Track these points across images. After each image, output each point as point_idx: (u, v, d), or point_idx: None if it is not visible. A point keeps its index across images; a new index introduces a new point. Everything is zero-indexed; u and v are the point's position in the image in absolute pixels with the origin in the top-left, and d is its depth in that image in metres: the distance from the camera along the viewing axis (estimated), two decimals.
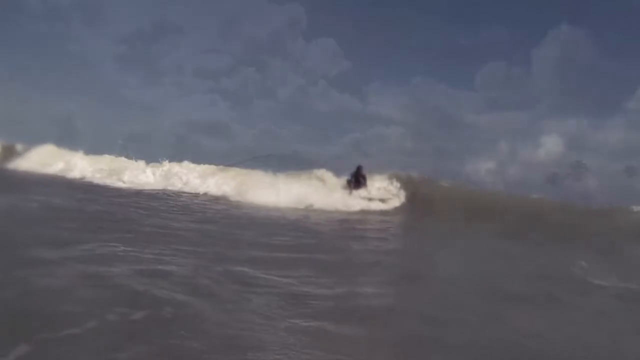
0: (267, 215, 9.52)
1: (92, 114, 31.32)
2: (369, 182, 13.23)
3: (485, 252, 7.24)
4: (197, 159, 14.37)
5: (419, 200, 12.25)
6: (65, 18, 32.70)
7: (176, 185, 12.89)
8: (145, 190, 11.59)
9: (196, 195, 11.91)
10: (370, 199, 12.66)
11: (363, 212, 11.75)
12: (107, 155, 14.88)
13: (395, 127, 30.28)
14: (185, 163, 14.07)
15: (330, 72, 32.36)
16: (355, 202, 12.29)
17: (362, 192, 13.11)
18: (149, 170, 13.58)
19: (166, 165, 13.81)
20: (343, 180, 13.62)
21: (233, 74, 32.80)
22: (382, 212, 11.85)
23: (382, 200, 12.66)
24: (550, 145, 27.26)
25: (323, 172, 13.82)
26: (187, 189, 12.58)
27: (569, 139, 28.82)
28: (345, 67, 29.62)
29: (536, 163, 25.83)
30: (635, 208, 12.25)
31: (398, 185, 12.99)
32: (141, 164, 14.01)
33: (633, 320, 4.16)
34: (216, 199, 11.44)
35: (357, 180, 13.36)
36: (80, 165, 13.81)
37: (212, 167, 14.12)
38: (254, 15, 34.40)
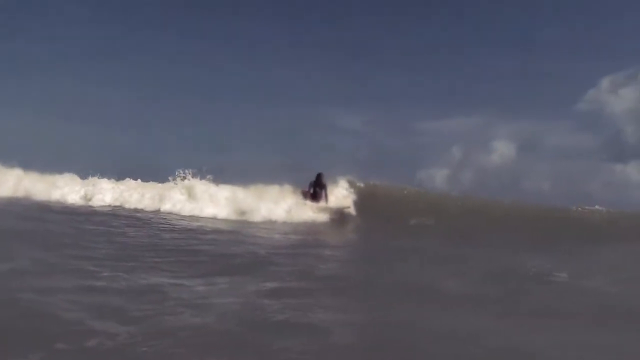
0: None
1: None
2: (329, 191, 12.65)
3: (436, 255, 7.08)
4: None
5: (374, 206, 12.03)
6: None
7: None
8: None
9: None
10: (326, 209, 12.15)
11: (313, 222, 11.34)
12: None
13: (349, 137, 30.46)
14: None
15: None
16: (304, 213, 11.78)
17: (321, 203, 12.46)
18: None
19: None
20: (300, 190, 12.77)
21: None
22: (333, 221, 11.57)
23: (341, 210, 12.19)
24: (503, 149, 28.19)
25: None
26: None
27: (521, 143, 29.90)
28: None
29: (490, 167, 26.55)
30: (588, 208, 12.68)
31: (353, 192, 12.64)
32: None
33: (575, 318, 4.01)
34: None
35: (314, 191, 12.64)
36: None
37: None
38: None
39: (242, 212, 11.18)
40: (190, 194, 11.98)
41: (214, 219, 10.85)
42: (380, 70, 35.26)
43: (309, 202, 12.33)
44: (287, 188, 12.77)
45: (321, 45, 35.29)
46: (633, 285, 5.61)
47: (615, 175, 27.73)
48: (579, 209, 11.91)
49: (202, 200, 11.81)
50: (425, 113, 34.90)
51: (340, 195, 12.72)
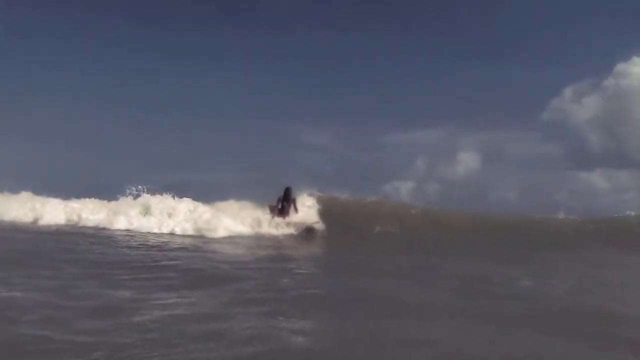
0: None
1: None
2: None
3: (398, 265, 6.93)
4: None
5: (338, 218, 11.81)
6: None
7: None
8: None
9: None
10: (294, 224, 11.82)
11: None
12: None
13: (315, 152, 30.41)
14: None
15: None
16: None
17: (290, 218, 12.04)
18: None
19: None
20: (268, 205, 12.42)
21: None
22: (298, 235, 11.31)
23: (309, 225, 11.81)
24: (468, 160, 28.61)
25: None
26: None
27: (486, 153, 30.39)
28: None
29: (455, 179, 26.80)
30: (553, 216, 12.82)
31: (318, 206, 12.41)
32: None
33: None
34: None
35: (282, 206, 12.20)
36: None
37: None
38: None
39: (204, 228, 10.72)
40: (148, 211, 11.55)
41: (172, 234, 10.47)
42: (345, 85, 35.39)
43: (276, 218, 11.97)
44: (252, 204, 12.51)
45: (285, 61, 35.35)
46: (594, 291, 5.55)
47: (580, 184, 28.52)
48: (543, 217, 11.99)
49: (160, 216, 11.41)
50: (390, 126, 35.08)
51: (308, 210, 12.41)
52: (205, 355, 2.65)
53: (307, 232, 11.59)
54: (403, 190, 21.73)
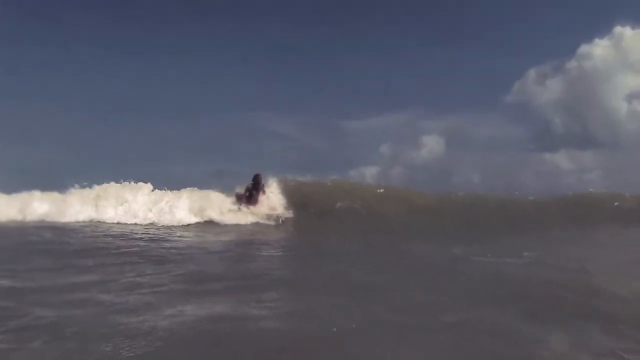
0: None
1: None
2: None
3: (360, 245, 6.96)
4: None
5: (303, 202, 11.74)
6: None
7: None
8: None
9: None
10: (262, 213, 11.58)
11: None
12: None
13: (280, 140, 30.28)
14: None
15: None
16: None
17: (259, 206, 11.75)
18: None
19: None
20: (235, 193, 12.09)
21: None
22: (265, 221, 11.21)
23: (277, 213, 11.58)
24: (433, 144, 28.89)
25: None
26: None
27: (450, 137, 30.73)
28: None
29: (420, 163, 27.04)
30: (519, 196, 13.06)
31: (283, 194, 12.17)
32: None
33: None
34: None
35: (250, 194, 11.89)
36: None
37: None
38: None
39: (165, 217, 10.69)
40: (106, 201, 11.37)
41: (132, 224, 10.36)
42: (308, 72, 35.19)
43: (243, 206, 11.67)
44: (217, 192, 12.23)
45: (246, 51, 34.83)
46: (549, 265, 5.64)
47: (545, 165, 29.29)
48: (506, 196, 12.17)
49: (118, 206, 11.26)
50: (353, 112, 35.17)
51: (275, 198, 12.13)
52: (168, 334, 2.68)
53: (273, 217, 11.41)
54: (368, 175, 21.92)
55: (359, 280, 4.47)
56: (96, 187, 11.87)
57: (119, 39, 32.77)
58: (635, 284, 4.46)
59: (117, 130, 30.04)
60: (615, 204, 12.47)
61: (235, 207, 11.74)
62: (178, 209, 10.97)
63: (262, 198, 12.07)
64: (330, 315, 3.21)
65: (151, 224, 10.51)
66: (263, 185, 12.30)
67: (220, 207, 11.74)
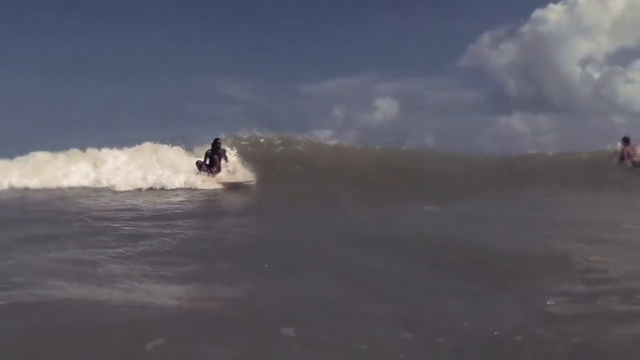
0: None
1: None
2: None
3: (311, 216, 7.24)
4: None
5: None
6: None
7: None
8: None
9: None
10: (224, 181, 11.37)
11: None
12: None
13: (234, 104, 29.90)
14: None
15: None
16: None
17: (220, 174, 11.52)
18: None
19: None
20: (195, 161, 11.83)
21: None
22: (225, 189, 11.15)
23: (241, 182, 11.33)
24: (386, 107, 29.23)
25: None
26: None
27: (404, 100, 31.04)
28: None
29: (374, 126, 27.43)
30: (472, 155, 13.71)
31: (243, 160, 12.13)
32: None
33: None
34: None
35: (211, 161, 11.65)
36: None
37: None
38: None
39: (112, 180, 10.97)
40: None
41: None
42: (261, 36, 34.51)
43: (203, 174, 11.44)
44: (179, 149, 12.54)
45: (200, 14, 33.58)
46: (481, 226, 5.92)
47: (500, 128, 30.16)
48: (457, 155, 12.87)
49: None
50: (307, 76, 35.08)
51: (237, 164, 11.97)
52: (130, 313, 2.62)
53: (237, 187, 11.23)
54: (321, 138, 22.15)
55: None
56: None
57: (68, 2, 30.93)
58: (527, 238, 4.84)
59: (64, 95, 29.02)
60: (564, 165, 13.22)
61: (196, 175, 11.44)
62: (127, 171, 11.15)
63: (223, 164, 11.81)
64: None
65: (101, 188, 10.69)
66: (224, 150, 12.02)
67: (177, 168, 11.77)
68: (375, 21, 33.54)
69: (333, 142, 13.45)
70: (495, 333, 2.35)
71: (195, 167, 11.70)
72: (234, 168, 11.80)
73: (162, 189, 10.73)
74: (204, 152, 12.12)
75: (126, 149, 12.81)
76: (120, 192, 10.19)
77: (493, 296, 3.01)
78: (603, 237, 4.81)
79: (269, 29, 34.04)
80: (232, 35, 34.06)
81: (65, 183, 11.39)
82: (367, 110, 28.67)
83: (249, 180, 11.45)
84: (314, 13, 33.84)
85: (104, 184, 11.25)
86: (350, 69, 33.78)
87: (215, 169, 11.73)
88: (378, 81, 34.45)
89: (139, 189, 10.57)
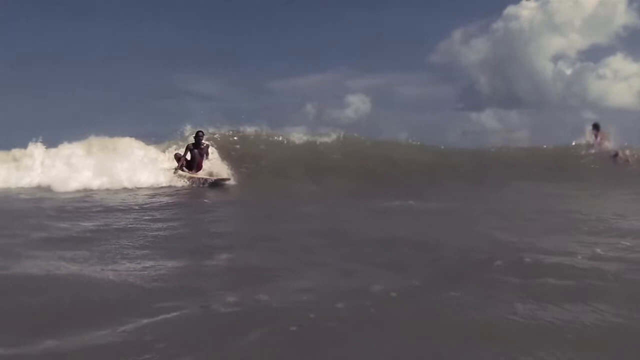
0: None
1: None
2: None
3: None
4: None
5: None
6: None
7: None
8: None
9: None
10: (203, 179, 10.46)
11: None
12: None
13: (204, 101, 29.76)
14: None
15: None
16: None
17: (201, 172, 10.63)
18: None
19: None
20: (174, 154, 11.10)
21: None
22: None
23: (220, 180, 10.42)
24: (358, 103, 29.45)
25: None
26: None
27: (376, 96, 31.18)
28: None
29: (346, 122, 27.79)
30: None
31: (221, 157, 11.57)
32: None
33: None
34: None
35: (192, 156, 10.75)
36: None
37: None
38: None
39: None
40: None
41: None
42: (231, 32, 34.17)
43: (180, 171, 10.65)
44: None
45: (169, 9, 33.12)
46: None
47: (472, 124, 30.71)
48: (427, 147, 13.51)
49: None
50: (279, 72, 34.90)
51: (216, 161, 11.28)
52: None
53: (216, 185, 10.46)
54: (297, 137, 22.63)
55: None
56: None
57: None
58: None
59: (28, 91, 28.50)
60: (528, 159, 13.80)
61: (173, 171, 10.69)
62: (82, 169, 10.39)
63: (205, 163, 10.91)
64: None
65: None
66: (207, 146, 11.11)
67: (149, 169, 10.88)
68: (346, 17, 33.66)
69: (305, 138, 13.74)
70: None
71: (175, 161, 11.08)
72: (216, 168, 11.00)
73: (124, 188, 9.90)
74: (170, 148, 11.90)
75: (76, 143, 12.14)
76: (63, 192, 9.16)
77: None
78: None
79: (240, 25, 33.94)
80: (201, 31, 33.86)
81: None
82: (339, 107, 28.87)
83: (227, 179, 10.55)
84: (285, 9, 33.73)
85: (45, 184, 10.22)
86: (321, 65, 33.89)
87: (197, 166, 10.87)
88: (350, 77, 34.62)
89: (89, 190, 9.64)
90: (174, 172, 10.76)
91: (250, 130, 14.01)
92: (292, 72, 34.12)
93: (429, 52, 35.70)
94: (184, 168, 10.96)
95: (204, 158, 11.09)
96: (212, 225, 6.19)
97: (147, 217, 6.38)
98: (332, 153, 13.00)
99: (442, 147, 14.29)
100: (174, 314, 2.55)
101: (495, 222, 5.70)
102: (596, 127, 14.49)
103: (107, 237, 4.74)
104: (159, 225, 5.78)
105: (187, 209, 8.18)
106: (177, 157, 11.11)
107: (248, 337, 2.24)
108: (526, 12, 29.63)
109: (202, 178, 10.65)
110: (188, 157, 11.06)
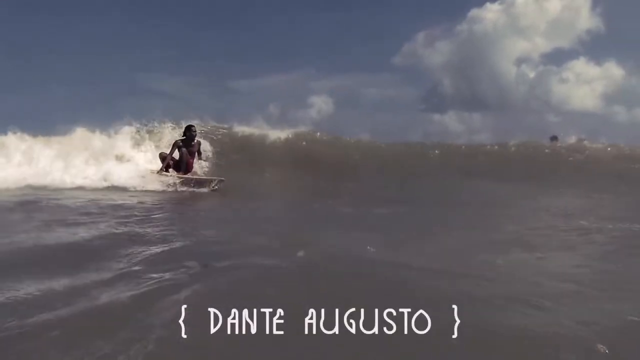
0: None
1: None
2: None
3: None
4: None
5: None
6: None
7: None
8: None
9: None
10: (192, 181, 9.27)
11: None
12: None
13: (167, 100, 28.80)
14: None
15: None
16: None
17: (192, 173, 9.32)
18: None
19: None
20: (159, 153, 9.87)
21: None
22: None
23: (211, 182, 9.27)
24: (321, 104, 29.52)
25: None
26: None
27: (339, 97, 31.25)
28: None
29: (309, 123, 28.31)
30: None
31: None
32: None
33: None
34: None
35: (180, 155, 9.26)
36: None
37: None
38: None
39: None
40: None
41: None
42: (195, 30, 32.93)
43: (164, 173, 9.32)
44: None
45: (132, 8, 31.17)
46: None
47: (434, 125, 31.79)
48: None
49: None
50: (241, 72, 34.27)
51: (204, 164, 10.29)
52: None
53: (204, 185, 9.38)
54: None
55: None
56: None
57: None
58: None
59: None
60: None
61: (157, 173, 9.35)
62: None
63: (197, 164, 9.55)
64: None
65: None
66: (199, 143, 9.70)
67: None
68: (311, 18, 33.20)
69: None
70: None
71: (160, 161, 9.75)
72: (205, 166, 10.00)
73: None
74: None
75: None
76: None
77: None
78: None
79: (204, 24, 32.49)
80: (164, 30, 32.09)
81: None
82: (302, 107, 28.84)
83: (220, 180, 9.37)
84: (247, 8, 32.70)
85: None
86: (285, 65, 33.51)
87: (188, 167, 9.38)
88: (313, 78, 34.49)
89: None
90: (158, 174, 9.41)
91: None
92: (256, 72, 33.37)
93: (393, 54, 36.18)
94: (171, 169, 9.60)
95: (195, 157, 9.70)
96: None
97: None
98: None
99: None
100: None
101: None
102: (554, 138, 15.55)
103: None
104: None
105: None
106: (162, 157, 9.68)
107: None
108: (490, 14, 30.00)
109: (192, 178, 9.40)
110: (176, 156, 9.55)
